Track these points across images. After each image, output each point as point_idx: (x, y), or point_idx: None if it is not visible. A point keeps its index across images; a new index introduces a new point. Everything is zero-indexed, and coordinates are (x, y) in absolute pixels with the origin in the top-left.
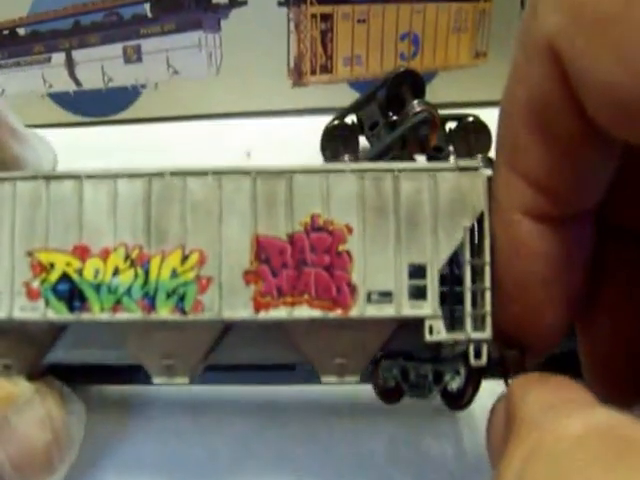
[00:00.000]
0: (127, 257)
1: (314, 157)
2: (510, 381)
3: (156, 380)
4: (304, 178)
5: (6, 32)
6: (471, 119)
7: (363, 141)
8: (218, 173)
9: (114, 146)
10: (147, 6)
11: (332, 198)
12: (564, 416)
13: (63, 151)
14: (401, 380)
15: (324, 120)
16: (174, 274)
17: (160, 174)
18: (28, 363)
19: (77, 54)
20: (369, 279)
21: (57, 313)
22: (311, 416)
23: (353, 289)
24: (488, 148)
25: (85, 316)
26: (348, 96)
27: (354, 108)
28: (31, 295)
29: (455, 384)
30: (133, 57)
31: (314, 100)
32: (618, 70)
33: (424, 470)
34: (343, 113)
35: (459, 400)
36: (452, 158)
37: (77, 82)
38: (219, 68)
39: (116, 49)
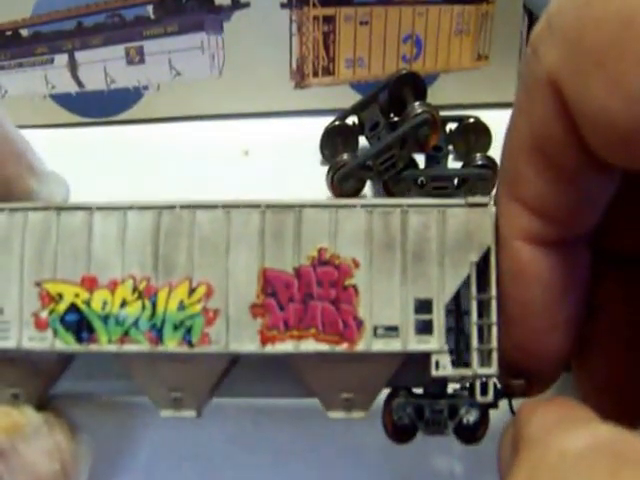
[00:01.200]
0: (135, 289)
1: (313, 157)
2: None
3: (163, 413)
4: (313, 212)
5: (9, 33)
6: (472, 120)
7: (363, 141)
8: (227, 206)
9: (116, 147)
10: (150, 8)
11: (339, 232)
12: (566, 432)
13: (65, 152)
14: (416, 418)
15: (326, 121)
16: (181, 306)
17: (170, 207)
18: (36, 393)
19: (80, 55)
20: (375, 313)
21: (65, 344)
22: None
23: (359, 323)
24: (487, 148)
25: (93, 347)
26: (350, 98)
27: (355, 109)
28: (39, 325)
29: (471, 417)
30: (135, 58)
31: (316, 101)
32: (616, 102)
33: (421, 468)
34: (344, 114)
35: (474, 433)
36: (451, 157)
37: (79, 83)
38: (221, 70)
39: (118, 50)
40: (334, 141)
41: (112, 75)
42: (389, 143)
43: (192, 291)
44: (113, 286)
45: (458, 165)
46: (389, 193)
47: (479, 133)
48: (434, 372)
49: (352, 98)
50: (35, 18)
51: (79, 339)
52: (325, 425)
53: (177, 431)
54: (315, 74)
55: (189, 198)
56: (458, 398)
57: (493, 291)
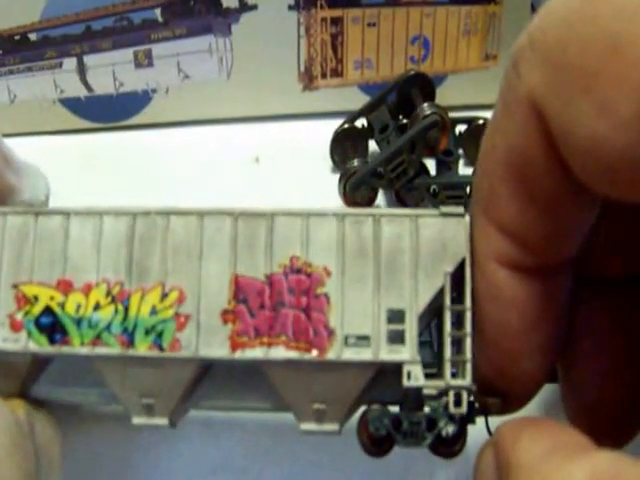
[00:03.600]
0: (108, 293)
1: (323, 163)
2: (496, 427)
3: (135, 420)
4: (285, 220)
5: (18, 37)
6: (481, 122)
7: (373, 145)
8: (201, 213)
9: (124, 153)
10: (158, 11)
11: (312, 241)
12: (566, 462)
13: (75, 157)
14: (392, 429)
15: (334, 124)
16: (153, 311)
17: (145, 213)
18: (11, 395)
19: (88, 59)
20: (347, 322)
21: (38, 345)
22: None
23: (330, 332)
24: None
25: (65, 349)
26: (359, 99)
27: (364, 112)
28: (14, 327)
29: (451, 429)
30: (144, 62)
31: (325, 104)
32: (601, 124)
33: None
34: (353, 117)
35: (452, 447)
36: (461, 162)
37: (88, 87)
38: (230, 72)
39: (127, 54)
40: (344, 146)
41: (121, 79)
42: (399, 147)
43: (164, 296)
44: (87, 290)
45: (469, 170)
46: (402, 202)
47: None
48: (406, 382)
49: (360, 100)
50: (44, 22)
51: (52, 341)
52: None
53: (196, 446)
54: (323, 76)
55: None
56: (436, 411)
57: (468, 302)
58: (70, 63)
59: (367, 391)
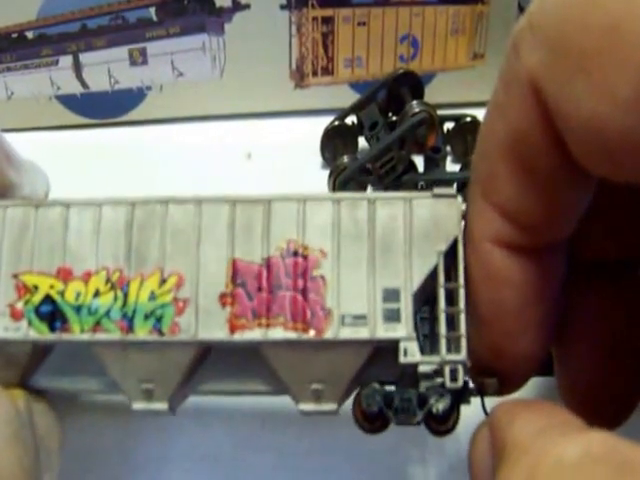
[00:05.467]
0: (108, 280)
1: (314, 159)
2: (491, 409)
3: (135, 405)
4: (282, 205)
5: (15, 35)
6: (469, 119)
7: (362, 142)
8: (199, 201)
9: (119, 148)
10: (152, 10)
11: (308, 224)
12: (560, 439)
13: (70, 153)
14: (384, 406)
15: (325, 121)
16: (152, 296)
17: (144, 202)
18: (11, 385)
19: (84, 57)
20: (343, 303)
21: (38, 333)
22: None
23: (327, 312)
24: None
25: (65, 336)
26: (349, 97)
27: (354, 109)
28: (14, 316)
29: (441, 406)
30: (139, 60)
31: (316, 101)
32: (600, 105)
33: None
34: (343, 114)
35: (444, 423)
36: (449, 159)
37: (84, 84)
38: (222, 70)
39: (122, 52)
40: (334, 142)
41: (116, 76)
42: (388, 144)
43: (163, 281)
44: (87, 277)
45: (456, 167)
46: None
47: (476, 133)
48: (402, 359)
49: (351, 97)
50: (40, 20)
51: (52, 328)
52: (332, 429)
53: (186, 435)
54: (314, 74)
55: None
56: (428, 388)
57: (461, 279)
58: (66, 61)
59: (364, 371)
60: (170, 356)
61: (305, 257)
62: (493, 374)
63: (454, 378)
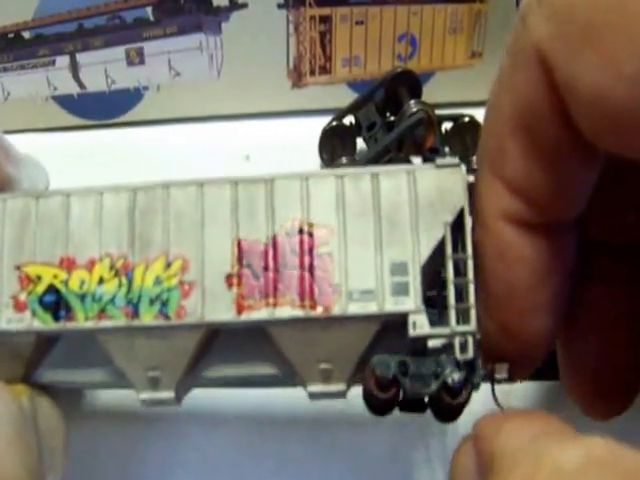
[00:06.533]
0: (112, 267)
1: (312, 159)
2: (473, 423)
3: (142, 395)
4: (285, 183)
5: (11, 35)
6: (467, 119)
7: (361, 143)
8: (201, 183)
9: (117, 149)
10: (149, 9)
11: (312, 201)
12: (556, 445)
13: (67, 154)
14: (399, 373)
15: (323, 121)
16: (157, 281)
17: (145, 187)
18: (15, 380)
19: (81, 57)
20: (351, 278)
21: (43, 323)
22: (313, 419)
23: (335, 289)
24: None
25: (70, 325)
26: (347, 96)
27: (352, 109)
28: (18, 307)
29: (457, 376)
30: (136, 60)
31: (313, 101)
32: (608, 76)
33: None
34: (341, 114)
35: (457, 396)
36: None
37: (81, 84)
38: (220, 70)
39: (119, 52)
40: (332, 143)
41: (113, 76)
42: (386, 145)
43: (168, 265)
44: (91, 265)
45: None
46: None
47: (474, 133)
48: (412, 332)
49: (349, 97)
50: (37, 20)
51: (56, 318)
52: (334, 434)
53: (186, 441)
54: (312, 73)
55: None
56: (443, 359)
57: (469, 250)
58: (63, 61)
59: (372, 349)
60: (176, 341)
61: (311, 234)
62: (503, 359)
63: (464, 349)
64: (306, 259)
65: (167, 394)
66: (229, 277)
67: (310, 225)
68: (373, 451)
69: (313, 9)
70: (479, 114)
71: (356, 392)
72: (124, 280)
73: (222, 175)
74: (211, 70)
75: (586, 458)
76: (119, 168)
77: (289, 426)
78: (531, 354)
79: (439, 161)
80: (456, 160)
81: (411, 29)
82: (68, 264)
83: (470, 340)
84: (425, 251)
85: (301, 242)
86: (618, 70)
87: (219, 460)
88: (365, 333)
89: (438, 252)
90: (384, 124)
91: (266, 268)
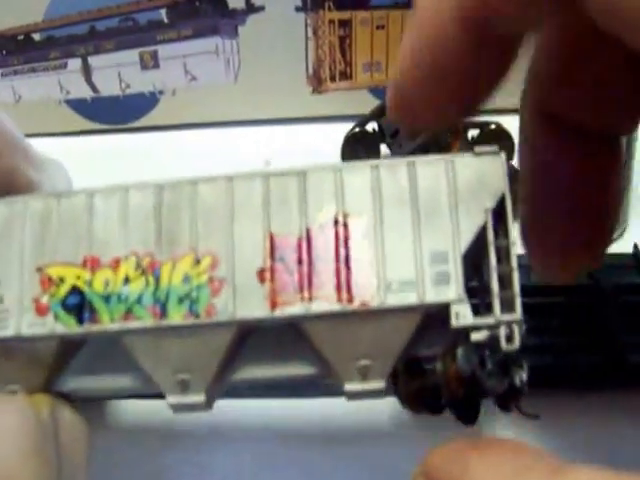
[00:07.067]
0: (138, 266)
1: None
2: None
3: (170, 400)
4: (317, 175)
5: (21, 37)
6: (493, 126)
7: (384, 149)
8: (230, 178)
9: (132, 154)
10: (163, 12)
11: (347, 192)
12: None
13: (80, 159)
14: (478, 368)
15: (344, 127)
16: (186, 279)
17: (172, 184)
18: (36, 389)
19: (93, 60)
20: (389, 269)
21: (66, 326)
22: (335, 430)
23: (372, 281)
24: (511, 156)
25: (94, 327)
26: (369, 103)
27: (374, 115)
28: (40, 310)
29: (519, 378)
30: (150, 63)
31: (334, 107)
32: None
33: None
34: (363, 120)
35: (516, 398)
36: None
37: (94, 88)
38: (237, 75)
39: (132, 55)
40: (355, 150)
41: (127, 80)
42: (411, 152)
43: (197, 262)
44: (115, 265)
45: None
46: None
47: (501, 140)
48: (454, 322)
49: (371, 103)
50: (47, 22)
51: (80, 320)
52: (353, 445)
53: (208, 453)
54: (332, 79)
55: None
56: (506, 355)
57: (511, 236)
58: (75, 64)
59: (412, 345)
60: (207, 341)
61: (346, 225)
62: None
63: (511, 339)
64: (342, 251)
65: (197, 398)
66: (261, 272)
67: (345, 216)
68: (396, 464)
69: (332, 13)
70: (506, 121)
71: (379, 404)
72: (151, 279)
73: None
74: (228, 74)
75: None
76: (134, 174)
77: (311, 436)
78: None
79: (478, 149)
80: (495, 147)
81: None
82: (92, 264)
83: (516, 330)
84: (466, 239)
85: (336, 233)
86: None
87: (239, 471)
88: (405, 326)
89: (477, 240)
90: None
91: (300, 261)
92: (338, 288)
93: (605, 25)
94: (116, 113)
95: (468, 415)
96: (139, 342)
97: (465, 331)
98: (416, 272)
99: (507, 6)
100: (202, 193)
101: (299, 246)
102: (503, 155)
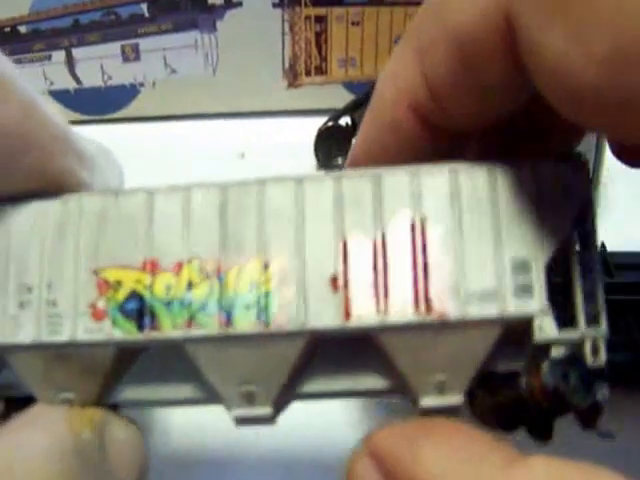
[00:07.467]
0: (201, 270)
1: (307, 159)
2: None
3: (235, 413)
4: (393, 178)
5: (7, 30)
6: None
7: None
8: (300, 179)
9: (112, 145)
10: (144, 6)
11: (424, 196)
12: (503, 477)
13: None
14: (562, 382)
15: (319, 121)
16: (253, 285)
17: (237, 184)
18: (91, 398)
19: (77, 52)
20: (469, 278)
21: (124, 333)
22: None
23: (452, 290)
24: None
25: (155, 334)
26: (343, 97)
27: (348, 110)
28: (96, 316)
29: (602, 393)
30: (131, 56)
31: (309, 101)
32: (573, 50)
33: None
34: (337, 115)
35: (593, 415)
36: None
37: (77, 80)
38: (215, 68)
39: (114, 48)
40: (328, 143)
41: (109, 72)
42: None
43: (265, 268)
44: (177, 269)
45: None
46: None
47: None
48: (538, 336)
49: (345, 98)
50: (33, 15)
51: (140, 327)
52: None
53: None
54: (308, 73)
55: None
56: (588, 370)
57: (597, 246)
58: (59, 56)
59: (492, 357)
60: (275, 351)
61: (423, 231)
62: None
63: (596, 354)
64: (419, 258)
65: (263, 410)
66: (334, 280)
67: (422, 221)
68: None
69: (308, 9)
70: None
71: None
72: (216, 284)
73: (219, 174)
74: (206, 68)
75: None
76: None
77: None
78: None
79: (560, 154)
80: (580, 153)
81: None
82: (152, 267)
83: (602, 344)
84: (550, 248)
85: (413, 240)
86: (585, 47)
87: None
88: (485, 339)
89: (560, 247)
90: None
91: (375, 269)
92: (415, 298)
93: (551, 96)
94: (97, 104)
95: (543, 432)
96: (202, 351)
97: (547, 345)
98: (497, 282)
99: (457, 106)
100: (270, 195)
101: (374, 252)
102: (587, 160)
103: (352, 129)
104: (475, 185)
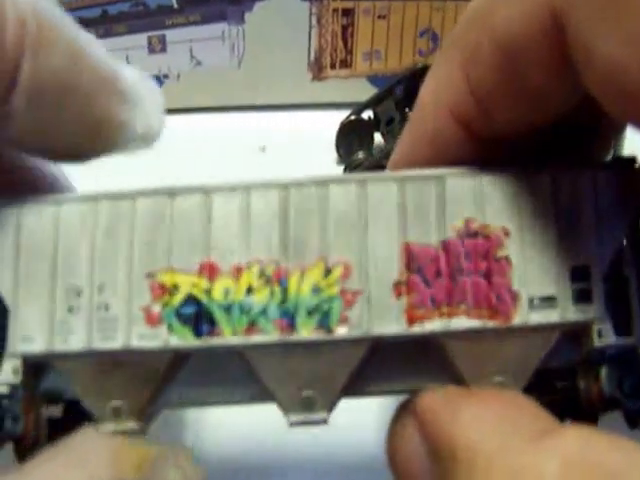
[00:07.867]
0: (262, 274)
1: (329, 153)
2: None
3: (292, 419)
4: (456, 182)
5: None
6: None
7: (378, 137)
8: (363, 181)
9: None
10: None
11: (487, 201)
12: (530, 447)
13: None
14: (617, 389)
15: (341, 115)
16: (316, 289)
17: (299, 184)
18: (140, 405)
19: (104, 43)
20: (530, 284)
21: (182, 339)
22: None
23: (514, 296)
24: None
25: (214, 341)
26: (366, 91)
27: (371, 104)
28: (151, 321)
29: None
30: (158, 47)
31: (333, 94)
32: (625, 53)
33: None
34: (360, 108)
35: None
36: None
37: None
38: (241, 60)
39: (141, 39)
40: (349, 137)
41: (134, 63)
42: None
43: (327, 272)
44: (237, 272)
45: None
46: None
47: None
48: (597, 342)
49: (369, 91)
50: (62, 5)
51: (198, 333)
52: None
53: None
54: (333, 66)
55: None
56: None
57: None
58: None
59: (547, 360)
60: (337, 357)
61: (486, 237)
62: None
63: None
64: (482, 264)
65: (320, 415)
66: (397, 285)
67: (485, 227)
68: None
69: (336, 2)
70: None
71: None
72: (277, 289)
73: (240, 167)
74: (232, 60)
75: (564, 464)
76: (133, 156)
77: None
78: None
79: (617, 161)
80: (635, 157)
81: (433, 25)
82: (210, 271)
83: None
84: (608, 255)
85: (476, 245)
86: (638, 49)
87: None
88: (543, 344)
89: (618, 255)
90: (403, 120)
91: (438, 274)
92: (478, 303)
93: (602, 97)
94: None
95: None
96: (263, 357)
97: (603, 350)
98: (557, 289)
99: (503, 111)
100: (333, 196)
101: (437, 257)
102: None
103: (374, 123)
104: (537, 191)
